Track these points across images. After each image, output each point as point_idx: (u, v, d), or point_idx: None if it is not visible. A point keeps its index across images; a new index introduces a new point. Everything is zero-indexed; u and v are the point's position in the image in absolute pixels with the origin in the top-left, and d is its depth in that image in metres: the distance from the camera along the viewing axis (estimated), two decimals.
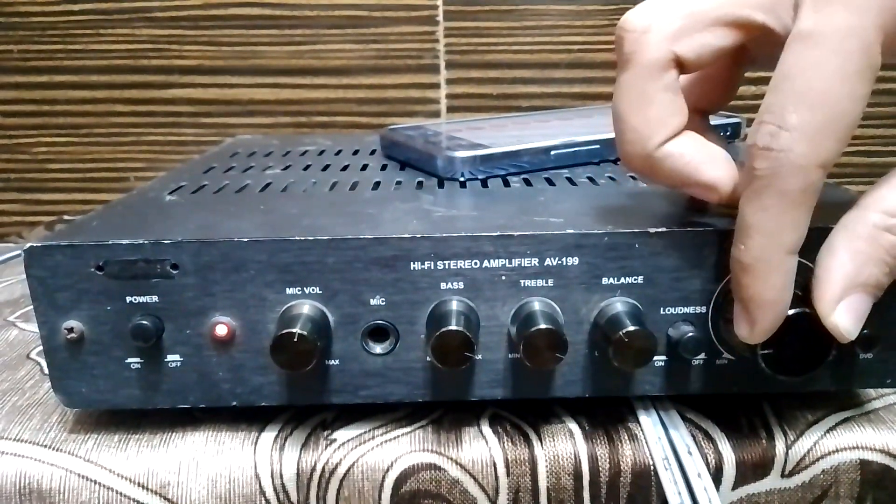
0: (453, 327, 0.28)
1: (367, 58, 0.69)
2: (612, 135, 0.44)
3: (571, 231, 0.29)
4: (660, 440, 0.32)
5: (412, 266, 0.30)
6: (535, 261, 0.30)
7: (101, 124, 0.71)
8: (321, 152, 0.50)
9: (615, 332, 0.28)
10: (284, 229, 0.30)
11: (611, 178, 0.40)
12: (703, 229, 0.29)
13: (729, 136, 0.48)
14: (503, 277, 0.30)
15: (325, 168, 0.44)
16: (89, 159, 0.72)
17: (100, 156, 0.72)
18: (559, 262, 0.30)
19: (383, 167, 0.44)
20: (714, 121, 0.48)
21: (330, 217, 0.33)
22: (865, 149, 0.72)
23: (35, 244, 0.29)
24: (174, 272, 0.29)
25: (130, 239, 0.29)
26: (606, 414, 0.33)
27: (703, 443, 0.32)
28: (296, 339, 0.28)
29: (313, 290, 0.30)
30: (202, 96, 0.71)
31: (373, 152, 0.49)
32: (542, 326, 0.28)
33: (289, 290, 0.30)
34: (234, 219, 0.32)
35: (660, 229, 0.29)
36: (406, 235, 0.29)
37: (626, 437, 0.32)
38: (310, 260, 0.29)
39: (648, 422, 0.33)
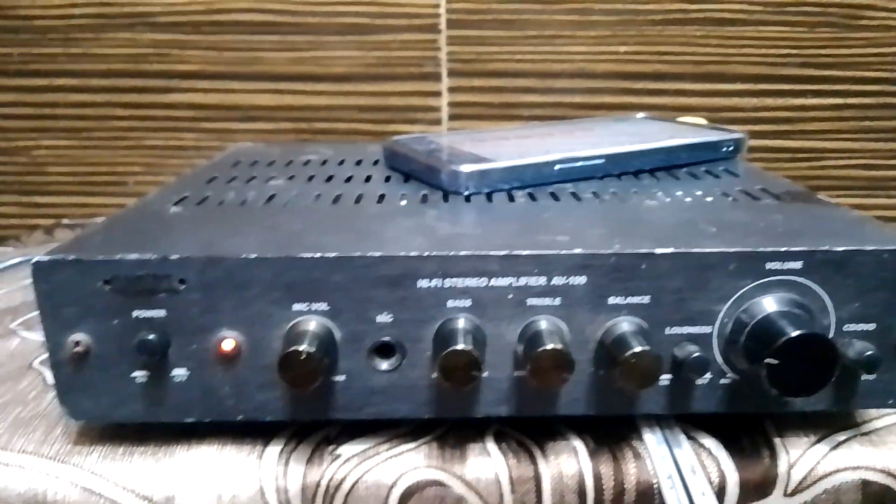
0: (461, 347, 0.28)
1: (369, 65, 0.70)
2: (617, 149, 0.44)
3: (579, 251, 0.29)
4: (664, 459, 0.32)
5: (419, 284, 0.30)
6: (542, 280, 0.30)
7: (100, 128, 0.71)
8: (324, 162, 0.49)
9: (622, 352, 0.28)
10: (289, 246, 0.30)
11: (615, 193, 0.40)
12: (709, 251, 0.30)
13: (731, 152, 0.48)
14: (510, 296, 0.30)
15: (329, 179, 0.44)
16: (88, 163, 0.72)
17: (99, 160, 0.72)
18: (566, 282, 0.30)
19: (387, 179, 0.44)
20: (716, 136, 0.49)
21: (335, 233, 0.33)
22: (864, 162, 0.72)
23: (42, 259, 0.29)
24: (181, 287, 0.29)
25: (138, 254, 0.29)
26: (610, 432, 0.33)
27: (706, 461, 0.32)
28: (303, 357, 0.28)
29: (320, 306, 0.30)
30: (203, 101, 0.71)
31: (376, 163, 0.49)
32: (549, 346, 0.28)
33: (295, 307, 0.30)
34: (238, 235, 0.32)
35: (666, 250, 0.30)
36: (413, 254, 0.29)
37: (631, 456, 0.32)
38: (316, 277, 0.29)
39: (653, 440, 0.33)
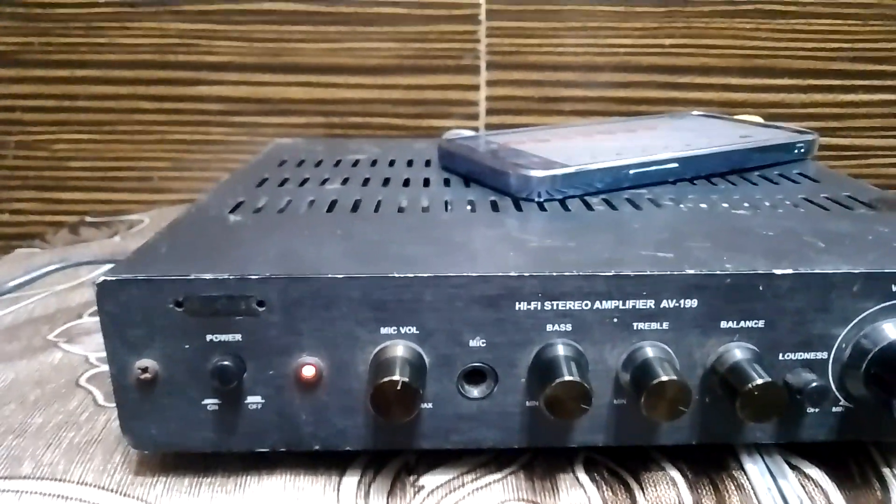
0: (570, 378, 0.26)
1: (406, 57, 0.67)
2: (691, 152, 0.42)
3: (692, 271, 0.27)
4: (770, 491, 0.30)
5: (517, 306, 0.27)
6: (650, 302, 0.27)
7: (124, 121, 0.69)
8: (374, 163, 0.47)
9: (743, 384, 0.26)
10: (374, 260, 0.28)
11: (694, 199, 0.37)
12: (834, 271, 0.27)
13: (803, 153, 0.46)
14: (615, 320, 0.28)
15: (386, 183, 0.42)
16: (112, 157, 0.70)
17: (123, 154, 0.70)
18: (676, 304, 0.27)
19: (446, 182, 0.42)
20: (789, 137, 0.46)
21: (417, 245, 0.30)
22: None
23: (109, 278, 0.27)
24: (260, 309, 0.27)
25: (213, 273, 0.27)
26: (708, 460, 0.31)
27: (813, 493, 0.30)
28: (399, 387, 0.26)
29: (409, 329, 0.27)
30: (232, 94, 0.68)
31: (428, 163, 0.47)
32: (666, 378, 0.26)
33: (383, 330, 0.27)
34: (314, 246, 0.30)
35: (787, 271, 0.27)
36: (513, 273, 0.27)
37: (733, 487, 0.30)
38: (407, 298, 0.27)
39: (755, 470, 0.31)
